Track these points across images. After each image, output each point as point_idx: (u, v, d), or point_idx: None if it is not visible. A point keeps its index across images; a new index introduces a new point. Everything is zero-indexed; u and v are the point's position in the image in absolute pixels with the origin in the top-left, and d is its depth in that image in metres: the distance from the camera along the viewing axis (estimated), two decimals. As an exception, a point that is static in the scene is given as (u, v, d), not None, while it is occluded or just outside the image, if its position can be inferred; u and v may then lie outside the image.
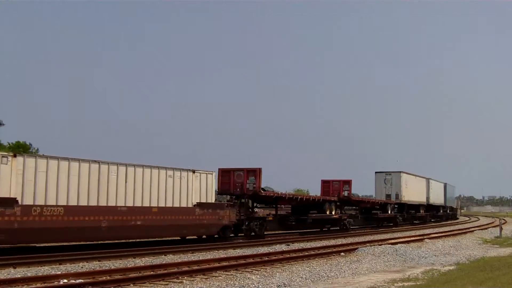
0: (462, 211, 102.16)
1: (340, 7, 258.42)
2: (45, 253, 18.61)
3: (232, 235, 27.77)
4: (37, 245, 20.46)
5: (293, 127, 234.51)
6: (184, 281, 13.89)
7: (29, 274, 14.10)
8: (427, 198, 58.65)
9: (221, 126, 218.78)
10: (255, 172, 28.91)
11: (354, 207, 42.50)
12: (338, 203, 37.81)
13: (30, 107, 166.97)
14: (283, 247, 23.96)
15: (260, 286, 13.28)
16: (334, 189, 38.21)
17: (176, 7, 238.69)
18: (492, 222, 57.73)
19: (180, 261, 17.43)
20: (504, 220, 55.14)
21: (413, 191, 52.61)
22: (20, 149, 58.44)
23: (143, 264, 16.59)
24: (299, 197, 34.34)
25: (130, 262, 17.47)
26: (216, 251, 21.84)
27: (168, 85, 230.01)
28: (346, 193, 38.11)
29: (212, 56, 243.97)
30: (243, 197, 29.07)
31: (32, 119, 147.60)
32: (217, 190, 28.34)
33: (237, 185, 28.80)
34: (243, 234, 28.64)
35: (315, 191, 44.79)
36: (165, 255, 19.70)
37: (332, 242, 28.06)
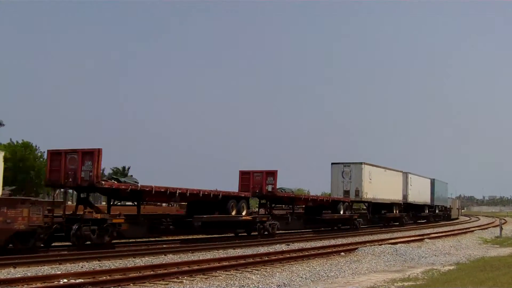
0: (462, 211, 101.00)
1: (341, 7, 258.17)
2: (45, 253, 18.61)
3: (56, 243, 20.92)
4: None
5: (293, 127, 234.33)
6: (184, 280, 13.89)
7: (29, 274, 14.09)
8: (405, 195, 50.40)
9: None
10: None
11: (287, 206, 36.03)
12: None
13: (30, 107, 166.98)
14: (283, 247, 23.96)
15: (260, 286, 13.27)
16: (256, 183, 30.99)
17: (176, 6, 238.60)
18: (492, 222, 57.74)
19: (180, 261, 17.42)
20: (504, 220, 55.03)
21: (381, 187, 43.41)
22: (22, 148, 58.56)
23: (143, 264, 16.59)
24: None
25: (130, 262, 17.47)
26: (216, 251, 21.84)
27: (170, 85, 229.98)
28: (270, 188, 30.62)
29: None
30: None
31: (33, 119, 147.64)
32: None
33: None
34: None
35: (315, 190, 44.88)
36: (165, 255, 19.70)
37: (332, 242, 28.06)
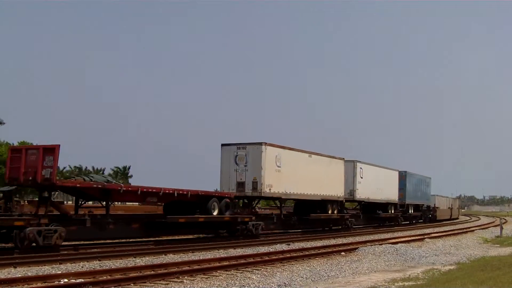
0: (462, 210, 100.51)
1: (340, 7, 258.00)
2: (46, 253, 18.60)
3: None
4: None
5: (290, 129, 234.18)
6: (185, 280, 13.89)
7: (29, 274, 14.09)
8: (351, 191, 38.75)
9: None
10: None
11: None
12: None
13: (30, 107, 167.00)
14: (284, 247, 23.97)
15: (260, 286, 13.27)
16: (29, 165, 19.33)
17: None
18: (493, 222, 57.74)
19: (180, 261, 17.42)
20: (505, 219, 55.02)
21: (299, 179, 31.71)
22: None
23: (144, 264, 16.59)
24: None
25: (130, 262, 17.46)
26: (217, 251, 21.83)
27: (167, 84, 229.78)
28: (48, 173, 19.09)
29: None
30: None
31: (33, 119, 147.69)
32: None
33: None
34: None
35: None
36: (166, 255, 19.70)
37: (332, 241, 28.07)
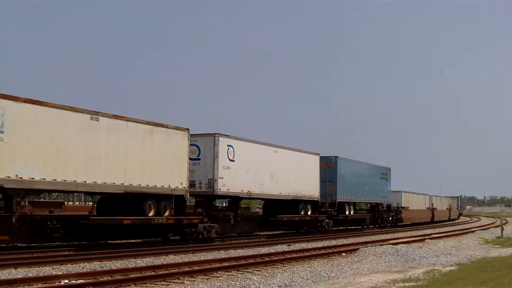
0: (463, 211, 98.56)
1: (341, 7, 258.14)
2: (46, 253, 18.62)
3: None
4: (38, 244, 20.48)
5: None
6: (185, 281, 13.89)
7: (30, 275, 14.09)
8: (211, 181, 25.29)
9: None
10: None
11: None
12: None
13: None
14: (284, 248, 23.96)
15: (261, 286, 13.27)
16: None
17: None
18: (493, 222, 57.67)
19: (181, 262, 17.43)
20: (505, 220, 54.97)
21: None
22: None
23: (144, 265, 16.59)
24: None
25: (131, 263, 17.46)
26: (217, 252, 21.84)
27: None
28: None
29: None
30: None
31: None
32: None
33: None
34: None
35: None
36: (166, 256, 19.70)
37: (333, 242, 28.06)
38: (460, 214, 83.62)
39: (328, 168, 35.85)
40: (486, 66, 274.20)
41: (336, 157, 36.42)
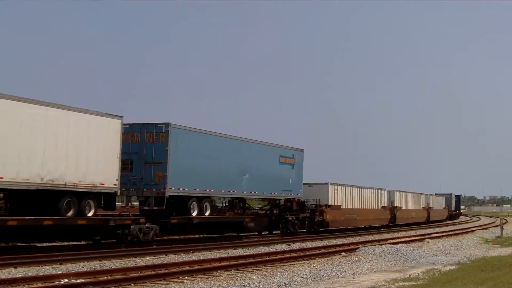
0: (463, 211, 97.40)
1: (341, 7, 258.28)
2: (46, 253, 18.62)
3: None
4: (38, 244, 20.47)
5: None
6: (185, 280, 13.90)
7: (30, 274, 14.10)
8: None
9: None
10: None
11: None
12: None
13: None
14: (284, 247, 23.98)
15: (261, 286, 13.29)
16: None
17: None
18: (493, 222, 57.72)
19: (181, 261, 17.45)
20: (505, 219, 55.01)
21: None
22: None
23: (144, 264, 16.60)
24: None
25: (131, 262, 17.48)
26: (217, 251, 21.85)
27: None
28: None
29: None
30: None
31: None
32: None
33: None
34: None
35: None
36: (166, 255, 19.71)
37: (333, 242, 28.09)
38: (460, 214, 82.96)
39: (155, 142, 23.17)
40: (486, 65, 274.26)
41: (167, 125, 23.05)
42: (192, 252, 20.97)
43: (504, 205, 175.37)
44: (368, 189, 42.71)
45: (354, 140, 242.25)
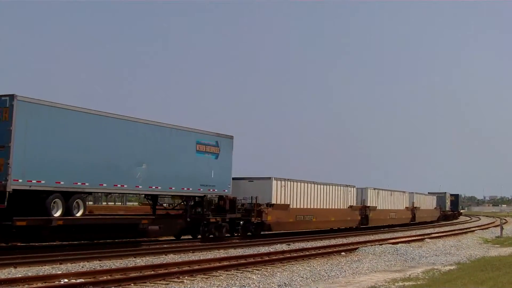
0: (463, 211, 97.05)
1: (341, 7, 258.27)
2: (46, 253, 18.61)
3: None
4: (38, 244, 20.46)
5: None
6: (185, 280, 13.90)
7: (29, 274, 14.10)
8: None
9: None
10: None
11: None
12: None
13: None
14: (284, 247, 23.98)
15: (260, 286, 13.28)
16: None
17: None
18: (493, 222, 57.71)
19: (180, 261, 17.45)
20: (505, 219, 55.02)
21: None
22: None
23: (144, 264, 16.60)
24: None
25: (130, 262, 17.48)
26: (217, 251, 21.85)
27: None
28: None
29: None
30: None
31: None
32: None
33: None
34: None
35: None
36: (166, 255, 19.72)
37: (333, 241, 28.09)
38: (460, 214, 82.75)
39: None
40: (487, 65, 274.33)
41: (12, 97, 17.63)
42: (192, 252, 20.98)
43: (502, 205, 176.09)
44: (331, 186, 36.20)
45: (354, 140, 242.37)
